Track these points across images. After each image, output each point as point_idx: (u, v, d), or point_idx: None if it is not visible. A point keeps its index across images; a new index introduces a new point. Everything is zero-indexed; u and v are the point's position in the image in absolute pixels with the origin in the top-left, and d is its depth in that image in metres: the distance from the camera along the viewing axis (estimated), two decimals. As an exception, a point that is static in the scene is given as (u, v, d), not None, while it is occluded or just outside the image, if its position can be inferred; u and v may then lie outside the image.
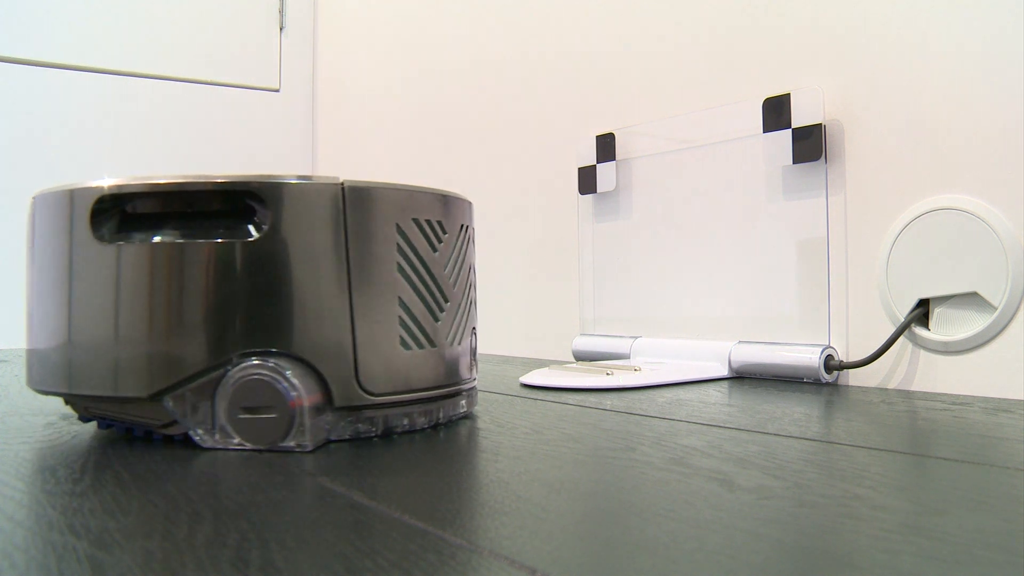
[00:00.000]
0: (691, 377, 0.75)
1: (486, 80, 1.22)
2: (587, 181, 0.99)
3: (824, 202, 0.76)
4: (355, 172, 1.59)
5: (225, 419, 0.44)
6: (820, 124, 0.75)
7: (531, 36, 1.13)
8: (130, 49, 1.56)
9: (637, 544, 0.26)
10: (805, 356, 0.73)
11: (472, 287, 0.55)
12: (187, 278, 0.44)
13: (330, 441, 0.46)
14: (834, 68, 0.76)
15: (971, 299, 0.66)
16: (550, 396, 0.66)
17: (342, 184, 0.46)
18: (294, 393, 0.43)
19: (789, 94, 0.77)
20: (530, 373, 0.78)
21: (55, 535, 0.28)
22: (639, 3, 0.96)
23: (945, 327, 0.68)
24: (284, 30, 1.72)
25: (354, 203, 0.46)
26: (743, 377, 0.78)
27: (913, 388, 0.70)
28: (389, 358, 0.47)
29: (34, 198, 0.48)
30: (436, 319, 0.50)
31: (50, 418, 0.56)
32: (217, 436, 0.44)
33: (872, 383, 0.72)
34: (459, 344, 0.52)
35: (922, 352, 0.69)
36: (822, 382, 0.72)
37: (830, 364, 0.72)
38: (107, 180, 0.46)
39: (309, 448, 0.44)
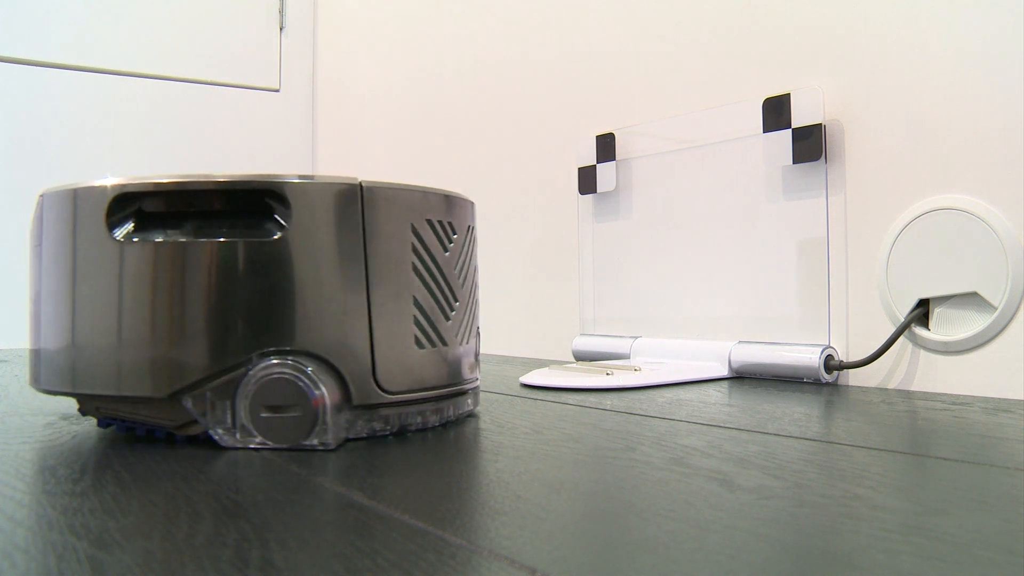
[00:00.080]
0: (691, 377, 0.75)
1: (486, 80, 1.22)
2: (587, 181, 0.99)
3: (824, 202, 0.76)
4: (355, 172, 1.59)
5: (247, 418, 0.44)
6: (820, 124, 0.75)
7: (531, 36, 1.13)
8: (130, 49, 1.56)
9: (637, 544, 0.26)
10: (805, 356, 0.72)
11: (476, 287, 0.55)
12: (208, 277, 0.44)
13: (348, 440, 0.46)
14: (834, 68, 0.76)
15: (971, 299, 0.66)
16: (550, 396, 0.66)
17: (360, 184, 0.46)
18: (317, 392, 0.44)
19: (789, 94, 0.77)
20: (530, 373, 0.78)
21: (55, 535, 0.28)
22: (639, 3, 0.96)
23: (945, 327, 0.68)
24: (284, 30, 1.72)
25: (372, 203, 0.47)
26: (743, 377, 0.78)
27: (913, 388, 0.70)
28: (404, 357, 0.48)
29: (42, 196, 0.48)
30: (447, 318, 0.50)
31: (50, 418, 0.56)
32: (238, 435, 0.44)
33: (872, 383, 0.72)
34: (467, 343, 0.53)
35: (922, 352, 0.69)
36: (822, 382, 0.72)
37: (830, 364, 0.72)
38: (121, 178, 0.45)
39: (332, 447, 0.44)
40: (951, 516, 0.29)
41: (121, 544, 0.27)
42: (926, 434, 0.47)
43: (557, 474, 0.37)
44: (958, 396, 0.65)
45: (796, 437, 0.46)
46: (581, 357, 0.97)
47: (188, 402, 0.44)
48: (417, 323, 0.48)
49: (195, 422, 0.45)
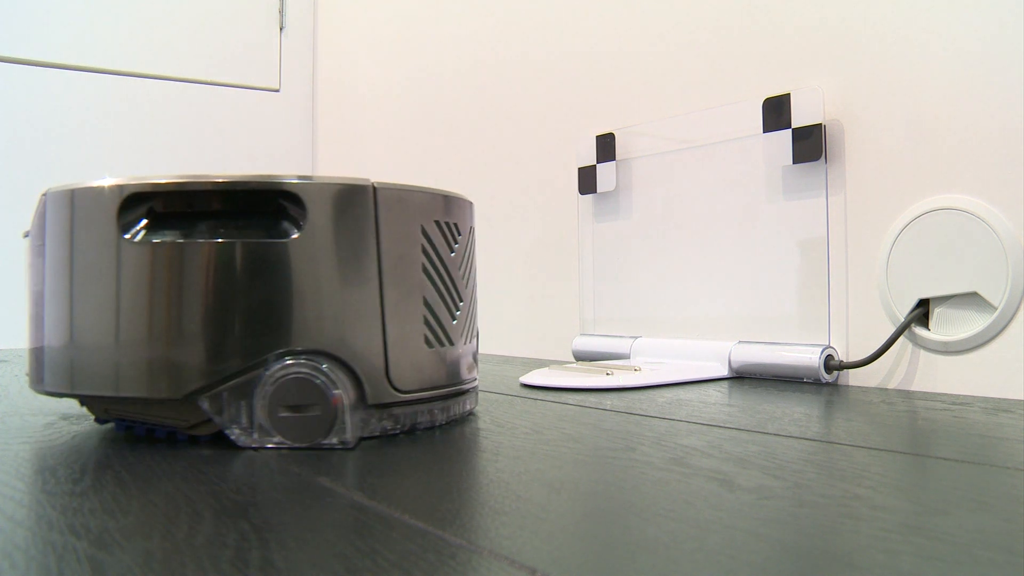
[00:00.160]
0: (691, 377, 0.75)
1: (486, 80, 1.22)
2: (587, 181, 0.99)
3: (824, 202, 0.76)
4: (355, 172, 1.59)
5: (265, 418, 0.44)
6: (820, 124, 0.75)
7: (531, 36, 1.13)
8: (130, 49, 1.56)
9: (637, 544, 0.26)
10: (805, 356, 0.73)
11: (476, 287, 0.56)
12: (226, 277, 0.44)
13: (362, 439, 0.47)
14: (834, 68, 0.76)
15: (971, 299, 0.66)
16: (550, 396, 0.66)
17: (373, 185, 0.47)
18: (336, 391, 0.44)
19: (789, 94, 0.77)
20: (530, 373, 0.78)
21: (55, 535, 0.28)
22: (639, 3, 0.96)
23: (945, 327, 0.68)
24: (284, 30, 1.72)
25: (384, 204, 0.47)
26: (743, 377, 0.78)
27: (913, 388, 0.70)
28: (415, 356, 0.48)
29: (46, 195, 0.47)
30: (453, 318, 0.51)
31: (50, 418, 0.56)
32: (255, 435, 0.44)
33: (872, 383, 0.72)
34: (469, 343, 0.54)
35: (922, 352, 0.69)
36: (822, 382, 0.72)
37: (830, 364, 0.72)
38: (132, 178, 0.45)
39: (351, 445, 0.44)
40: (951, 516, 0.29)
41: (121, 544, 0.27)
42: (926, 434, 0.47)
43: (557, 474, 0.37)
44: (958, 396, 0.65)
45: (796, 437, 0.46)
46: (581, 357, 0.96)
47: (204, 403, 0.44)
48: (427, 323, 0.49)
49: (207, 422, 0.45)
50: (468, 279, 0.53)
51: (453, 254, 0.51)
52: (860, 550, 0.26)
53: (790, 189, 0.79)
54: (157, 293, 0.44)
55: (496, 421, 0.53)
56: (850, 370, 0.73)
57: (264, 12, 1.70)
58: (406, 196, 0.48)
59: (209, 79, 1.63)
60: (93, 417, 0.52)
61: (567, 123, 1.07)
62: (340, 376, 0.44)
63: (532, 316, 1.11)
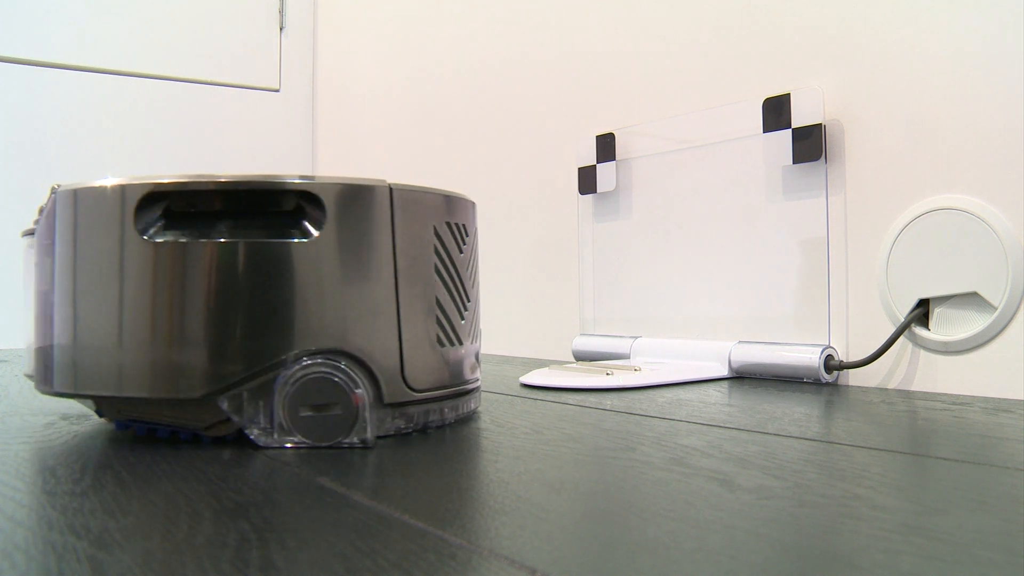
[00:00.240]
0: (691, 377, 0.75)
1: (486, 80, 1.22)
2: (587, 181, 0.99)
3: (824, 202, 0.76)
4: (355, 172, 1.59)
5: (285, 417, 0.44)
6: (820, 124, 0.75)
7: (531, 36, 1.13)
8: (130, 49, 1.56)
9: (637, 544, 0.26)
10: (805, 356, 0.73)
11: (479, 288, 0.56)
12: (246, 276, 0.44)
13: (378, 437, 0.47)
14: (834, 68, 0.76)
15: (971, 299, 0.66)
16: (550, 396, 0.66)
17: (389, 186, 0.47)
18: (359, 390, 0.44)
19: (789, 94, 0.77)
20: (530, 373, 0.78)
21: (55, 535, 0.28)
22: (639, 3, 0.96)
23: (945, 327, 0.68)
24: (284, 30, 1.72)
25: (400, 205, 0.48)
26: (743, 377, 0.78)
27: (913, 388, 0.70)
28: (428, 356, 0.49)
29: (57, 193, 0.47)
30: (462, 318, 0.52)
31: (50, 418, 0.56)
32: (275, 435, 0.44)
33: (872, 383, 0.72)
34: (475, 342, 0.54)
35: (922, 352, 0.69)
36: (822, 382, 0.72)
37: (830, 364, 0.72)
38: (149, 177, 0.45)
39: (371, 444, 0.44)
40: (951, 516, 0.29)
41: (121, 544, 0.27)
42: (926, 434, 0.47)
43: (557, 474, 0.37)
44: (958, 396, 0.65)
45: (796, 437, 0.46)
46: (581, 357, 0.97)
47: (224, 403, 0.44)
48: (439, 323, 0.50)
49: (223, 423, 0.45)
50: (474, 279, 0.54)
51: (462, 255, 0.52)
52: (860, 550, 0.26)
53: (790, 189, 0.79)
54: (177, 293, 0.44)
55: (496, 421, 0.53)
56: (850, 370, 0.73)
57: (264, 12, 1.70)
58: (420, 197, 0.49)
59: (209, 79, 1.63)
60: (103, 418, 0.52)
61: (567, 123, 1.07)
62: (359, 375, 0.45)
63: (532, 316, 1.11)
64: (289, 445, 0.44)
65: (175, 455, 0.43)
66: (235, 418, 0.44)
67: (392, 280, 0.47)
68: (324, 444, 0.44)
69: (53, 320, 0.47)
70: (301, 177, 0.45)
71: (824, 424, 0.50)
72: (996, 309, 0.64)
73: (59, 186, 0.51)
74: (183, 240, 0.44)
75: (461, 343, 0.52)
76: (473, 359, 0.54)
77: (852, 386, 0.72)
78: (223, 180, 0.45)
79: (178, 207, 0.45)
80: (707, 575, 0.23)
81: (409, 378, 0.48)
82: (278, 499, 0.33)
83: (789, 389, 0.69)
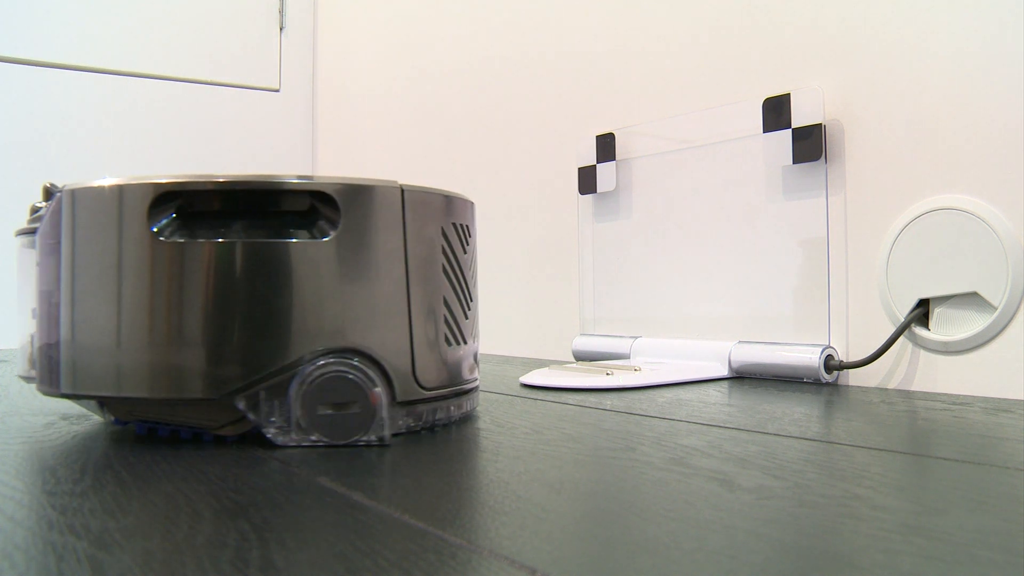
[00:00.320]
0: (691, 377, 0.75)
1: (486, 80, 1.22)
2: (587, 181, 0.99)
3: (824, 202, 0.76)
4: (355, 172, 1.59)
5: (303, 416, 0.44)
6: (820, 124, 0.75)
7: (531, 36, 1.13)
8: (130, 49, 1.56)
9: (637, 544, 0.26)
10: (805, 356, 0.73)
11: (478, 287, 0.57)
12: (264, 277, 0.44)
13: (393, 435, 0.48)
14: (834, 68, 0.76)
15: (971, 299, 0.66)
16: (550, 396, 0.66)
17: (401, 187, 0.48)
18: (376, 389, 0.45)
19: (789, 94, 0.77)
20: (530, 373, 0.78)
21: (55, 535, 0.28)
22: (639, 3, 0.96)
23: (945, 327, 0.68)
24: (284, 30, 1.72)
25: (411, 206, 0.48)
26: (743, 377, 0.78)
27: (913, 388, 0.70)
28: (437, 355, 0.49)
29: (65, 191, 0.46)
30: (467, 317, 0.53)
31: (50, 418, 0.56)
32: (293, 434, 0.44)
33: (872, 383, 0.72)
34: (476, 342, 0.55)
35: (922, 352, 0.69)
36: (822, 382, 0.72)
37: (830, 364, 0.72)
38: (161, 176, 0.45)
39: (387, 442, 0.45)
40: (951, 516, 0.29)
41: (121, 544, 0.27)
42: (926, 434, 0.47)
43: (557, 474, 0.37)
44: (958, 396, 0.65)
45: (796, 437, 0.46)
46: (581, 357, 0.96)
47: (241, 402, 0.44)
48: (446, 322, 0.51)
49: (236, 422, 0.45)
50: (475, 279, 0.55)
51: (465, 255, 0.53)
52: (860, 550, 0.26)
53: (790, 189, 0.79)
54: (194, 293, 0.44)
55: (496, 421, 0.53)
56: (850, 370, 0.73)
57: (264, 12, 1.70)
58: (429, 198, 0.50)
59: (209, 79, 1.63)
60: (102, 418, 0.52)
61: (567, 123, 1.07)
62: (375, 374, 0.45)
63: (532, 316, 1.11)
64: (306, 444, 0.44)
65: (175, 455, 0.43)
66: (252, 417, 0.44)
67: (404, 280, 0.48)
68: (341, 443, 0.44)
69: (59, 320, 0.46)
70: (316, 177, 0.46)
71: (824, 424, 0.50)
72: (996, 309, 0.64)
73: (51, 185, 0.51)
74: (200, 240, 0.44)
75: (465, 342, 0.53)
76: (472, 359, 0.54)
77: (852, 386, 0.72)
78: (239, 180, 0.45)
79: (191, 207, 0.45)
80: (707, 575, 0.23)
81: (419, 377, 0.48)
82: (278, 499, 0.33)
83: (789, 389, 0.69)
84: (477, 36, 1.24)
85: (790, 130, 0.77)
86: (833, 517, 0.29)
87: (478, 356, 0.56)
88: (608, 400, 0.63)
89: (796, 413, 0.55)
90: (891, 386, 0.71)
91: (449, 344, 0.51)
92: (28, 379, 0.52)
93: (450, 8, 1.30)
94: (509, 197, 1.16)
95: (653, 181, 0.92)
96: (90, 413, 0.58)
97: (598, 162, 0.98)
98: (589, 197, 1.00)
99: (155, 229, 0.44)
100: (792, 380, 0.74)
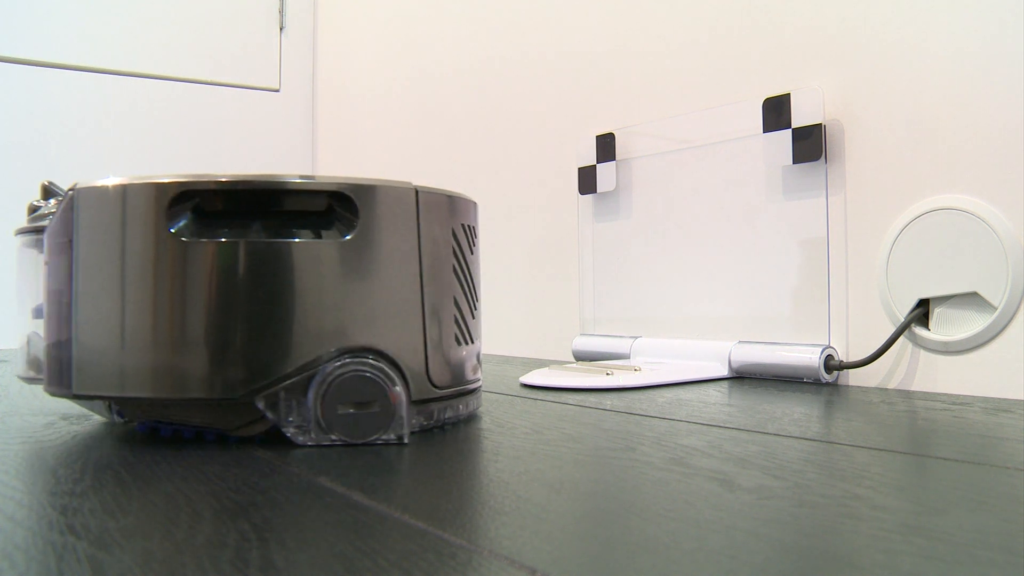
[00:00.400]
0: (691, 377, 0.75)
1: (486, 80, 1.22)
2: (587, 181, 0.99)
3: (824, 202, 0.76)
4: (355, 172, 1.59)
5: (323, 415, 0.44)
6: (820, 124, 0.75)
7: (531, 36, 1.13)
8: (130, 49, 1.56)
9: (637, 544, 0.26)
10: (805, 356, 0.73)
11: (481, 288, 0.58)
12: (284, 276, 0.44)
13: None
14: (834, 68, 0.76)
15: (971, 299, 0.66)
16: (550, 396, 0.66)
17: (415, 189, 0.48)
18: (396, 388, 0.45)
19: (789, 94, 0.77)
20: (530, 373, 0.78)
21: (55, 535, 0.28)
22: (639, 3, 0.96)
23: (945, 327, 0.68)
24: (284, 30, 1.72)
25: (424, 207, 0.49)
26: (743, 377, 0.78)
27: (913, 388, 0.70)
28: (447, 354, 0.50)
29: (79, 190, 0.46)
30: (473, 317, 0.54)
31: (50, 418, 0.56)
32: (312, 433, 0.44)
33: (872, 383, 0.72)
34: (480, 341, 0.56)
35: (922, 352, 0.69)
36: (822, 382, 0.72)
37: (830, 364, 0.72)
38: (179, 175, 0.45)
39: (406, 440, 0.45)
40: (951, 516, 0.29)
41: (121, 544, 0.27)
42: (926, 434, 0.47)
43: (557, 474, 0.37)
44: (958, 396, 0.65)
45: (796, 437, 0.46)
46: (581, 357, 0.96)
47: (261, 402, 0.44)
48: (456, 322, 0.51)
49: (253, 423, 0.45)
50: (479, 280, 0.56)
51: (472, 255, 0.54)
52: (860, 550, 0.26)
53: (790, 189, 0.79)
54: (215, 293, 0.44)
55: (496, 421, 0.53)
56: (850, 370, 0.73)
57: (264, 12, 1.70)
58: (441, 200, 0.50)
59: (209, 79, 1.63)
60: (118, 419, 0.51)
61: (567, 123, 1.07)
62: (394, 373, 0.46)
63: (532, 316, 1.11)
64: (325, 443, 0.45)
65: (175, 455, 0.43)
66: (272, 417, 0.44)
67: (418, 280, 0.48)
68: (360, 442, 0.45)
69: (71, 320, 0.46)
70: (334, 178, 0.46)
71: (824, 424, 0.50)
72: (996, 309, 0.64)
73: (50, 183, 0.51)
74: (220, 240, 0.44)
75: (472, 342, 0.53)
76: (475, 359, 0.55)
77: (852, 386, 0.72)
78: (258, 180, 0.45)
79: (208, 207, 0.45)
80: (707, 575, 0.23)
81: (432, 376, 0.49)
82: (278, 499, 0.33)
83: (789, 389, 0.69)
84: (477, 36, 1.24)
85: (790, 130, 0.77)
86: (833, 517, 0.29)
87: (480, 356, 0.56)
88: (608, 400, 0.63)
89: (796, 413, 0.55)
90: (891, 386, 0.71)
91: (458, 344, 0.51)
92: (28, 380, 0.52)
93: (450, 8, 1.30)
94: (509, 197, 1.16)
95: (653, 181, 0.92)
96: (90, 413, 0.58)
97: (598, 162, 0.98)
98: (589, 197, 1.00)
99: (174, 229, 0.44)
100: (792, 380, 0.74)
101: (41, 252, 0.50)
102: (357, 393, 0.44)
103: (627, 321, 0.95)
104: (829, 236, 0.76)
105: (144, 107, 1.57)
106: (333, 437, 0.44)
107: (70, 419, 0.56)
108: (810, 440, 0.45)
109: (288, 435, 0.45)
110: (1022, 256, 0.64)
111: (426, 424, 0.49)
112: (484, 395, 0.67)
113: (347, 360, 0.45)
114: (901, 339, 0.70)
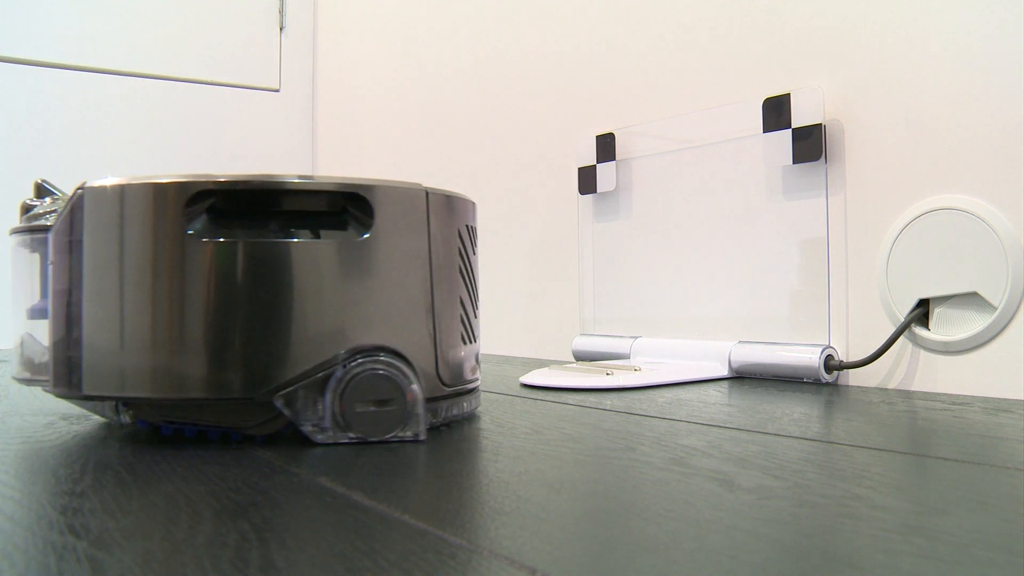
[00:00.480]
0: (691, 377, 0.75)
1: (486, 80, 1.22)
2: (587, 181, 0.99)
3: (824, 202, 0.76)
4: (355, 172, 1.59)
5: (341, 413, 0.44)
6: (820, 124, 0.75)
7: (531, 36, 1.13)
8: (130, 49, 1.56)
9: (637, 544, 0.26)
10: (805, 356, 0.72)
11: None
12: (303, 276, 0.45)
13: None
14: (834, 68, 0.76)
15: (971, 299, 0.66)
16: (550, 396, 0.66)
17: (426, 190, 0.49)
18: (414, 386, 0.46)
19: (789, 94, 0.77)
20: (530, 373, 0.78)
21: (55, 535, 0.28)
22: (639, 3, 0.96)
23: (945, 327, 0.68)
24: (284, 30, 1.72)
25: (433, 208, 0.49)
26: (743, 377, 0.78)
27: (913, 388, 0.70)
28: (454, 353, 0.51)
29: (89, 189, 0.45)
30: (475, 316, 0.54)
31: (50, 418, 0.56)
32: (331, 431, 0.45)
33: (872, 383, 0.72)
34: (479, 341, 0.57)
35: (922, 352, 0.69)
36: (822, 382, 0.72)
37: (830, 364, 0.72)
38: (194, 175, 0.44)
39: (422, 438, 0.46)
40: (951, 516, 0.29)
41: (121, 544, 0.27)
42: (926, 434, 0.47)
43: (557, 474, 0.37)
44: (958, 396, 0.65)
45: (796, 437, 0.46)
46: (581, 357, 0.96)
47: (279, 401, 0.44)
48: (462, 321, 0.52)
49: (267, 422, 0.45)
50: (479, 280, 0.57)
51: (474, 256, 0.54)
52: (860, 550, 0.26)
53: (790, 189, 0.79)
54: (234, 292, 0.44)
55: (496, 421, 0.53)
56: (850, 370, 0.73)
57: (264, 12, 1.70)
58: (449, 202, 0.51)
59: (209, 79, 1.63)
60: (126, 420, 0.51)
61: (567, 123, 1.07)
62: (409, 372, 0.46)
63: (532, 316, 1.11)
64: (343, 441, 0.45)
65: (175, 455, 0.43)
66: (290, 415, 0.44)
67: (428, 280, 0.49)
68: (377, 439, 0.45)
69: (80, 321, 0.45)
70: (353, 179, 0.47)
71: (824, 424, 0.50)
72: (996, 309, 0.64)
73: (43, 182, 0.50)
74: (238, 240, 0.44)
75: (475, 340, 0.54)
76: (475, 358, 0.55)
77: (852, 386, 0.72)
78: (274, 180, 0.45)
79: (223, 206, 0.45)
80: (707, 575, 0.23)
81: (442, 374, 0.50)
82: (278, 499, 0.33)
83: (789, 389, 0.69)
84: (477, 36, 1.24)
85: (790, 130, 0.77)
86: (833, 517, 0.29)
87: (479, 356, 0.57)
88: (608, 400, 0.63)
89: (796, 413, 0.55)
90: (891, 386, 0.71)
91: (464, 343, 0.52)
92: (24, 381, 0.51)
93: (450, 8, 1.30)
94: (509, 197, 1.16)
95: (653, 181, 0.92)
96: (90, 413, 0.58)
97: (598, 162, 0.98)
98: (589, 197, 1.00)
99: (190, 228, 0.44)
100: (792, 380, 0.74)
101: (35, 252, 0.50)
102: (376, 391, 0.45)
103: (627, 321, 0.95)
104: (829, 236, 0.76)
105: (144, 107, 1.57)
106: (351, 435, 0.45)
107: (70, 419, 0.56)
108: (810, 440, 0.45)
109: (305, 433, 0.45)
110: (1022, 256, 0.64)
111: (434, 422, 0.50)
112: (484, 395, 0.67)
113: (365, 359, 0.45)
114: (901, 339, 0.70)
